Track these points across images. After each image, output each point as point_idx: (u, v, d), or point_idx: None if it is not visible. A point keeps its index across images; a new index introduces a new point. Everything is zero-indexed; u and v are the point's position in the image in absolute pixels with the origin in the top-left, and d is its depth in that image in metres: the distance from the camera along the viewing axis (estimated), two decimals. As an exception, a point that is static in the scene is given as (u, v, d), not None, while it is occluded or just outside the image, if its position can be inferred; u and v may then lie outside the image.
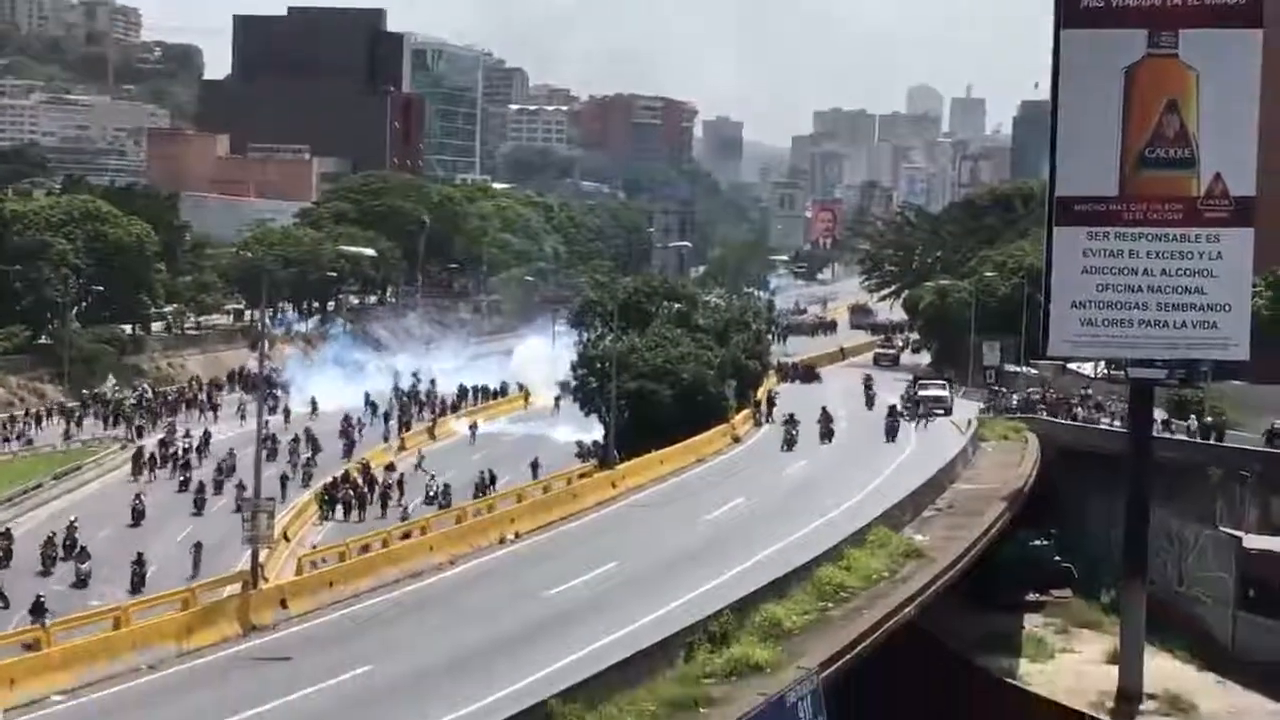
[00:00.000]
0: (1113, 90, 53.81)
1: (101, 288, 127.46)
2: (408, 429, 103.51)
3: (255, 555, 47.45)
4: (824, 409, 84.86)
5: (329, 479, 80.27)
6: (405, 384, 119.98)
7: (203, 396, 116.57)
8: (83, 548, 63.82)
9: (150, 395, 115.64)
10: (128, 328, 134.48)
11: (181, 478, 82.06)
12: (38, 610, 52.71)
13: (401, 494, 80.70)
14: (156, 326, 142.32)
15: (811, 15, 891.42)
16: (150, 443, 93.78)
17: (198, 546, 64.15)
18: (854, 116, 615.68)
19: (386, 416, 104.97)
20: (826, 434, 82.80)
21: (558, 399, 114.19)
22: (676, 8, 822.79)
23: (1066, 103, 54.48)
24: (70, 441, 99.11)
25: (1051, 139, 55.12)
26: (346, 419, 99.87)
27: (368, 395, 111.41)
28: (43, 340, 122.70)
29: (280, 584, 48.55)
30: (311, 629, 43.25)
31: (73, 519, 68.15)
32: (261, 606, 43.76)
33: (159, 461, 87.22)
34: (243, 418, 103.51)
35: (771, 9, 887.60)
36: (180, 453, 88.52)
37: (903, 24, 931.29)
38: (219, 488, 79.33)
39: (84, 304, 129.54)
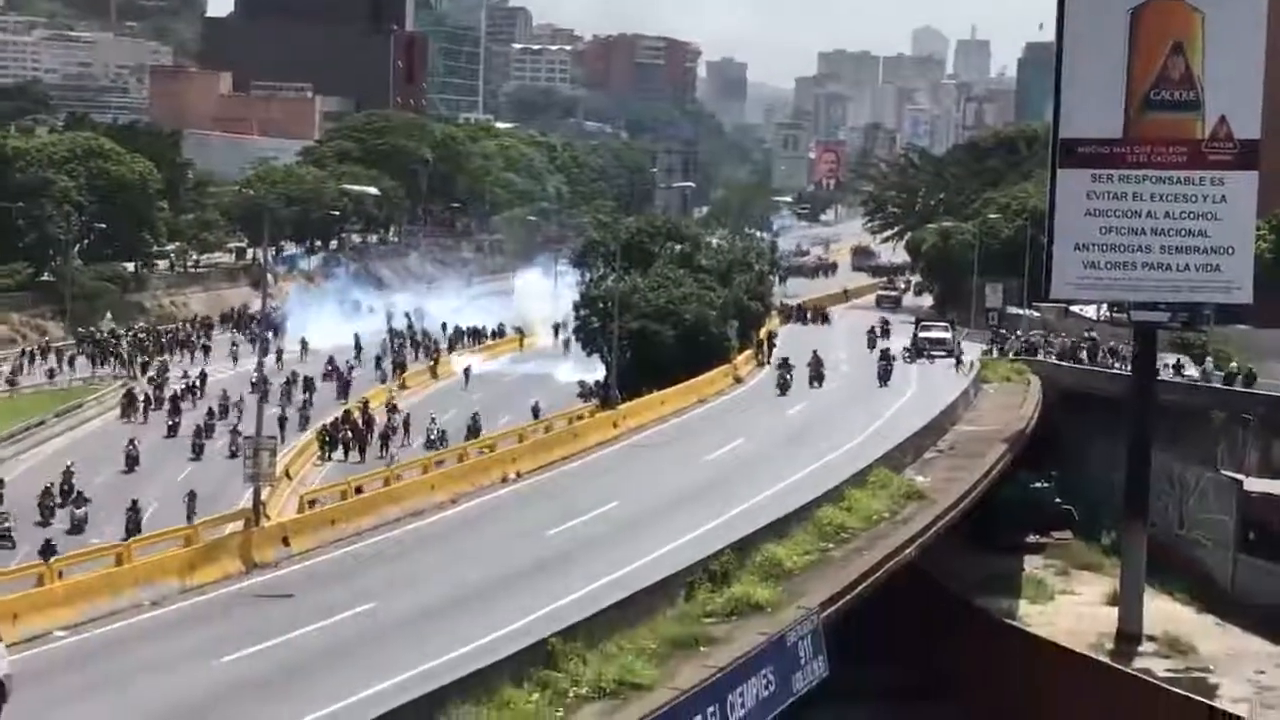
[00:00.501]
0: (1118, 32, 53.68)
1: (104, 225, 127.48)
2: (402, 370, 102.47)
3: (257, 493, 47.48)
4: (814, 353, 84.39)
5: (329, 419, 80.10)
6: (401, 324, 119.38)
7: (197, 337, 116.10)
8: (79, 492, 63.37)
9: (144, 334, 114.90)
10: (130, 265, 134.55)
11: (170, 421, 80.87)
12: (47, 553, 52.55)
13: (407, 434, 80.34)
14: (159, 265, 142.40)
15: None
16: (143, 383, 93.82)
17: (191, 496, 63.20)
18: (858, 58, 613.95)
19: (378, 359, 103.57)
20: (816, 377, 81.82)
21: (566, 340, 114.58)
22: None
23: (1071, 45, 54.37)
24: (59, 380, 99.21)
25: (1056, 81, 55.04)
26: (331, 360, 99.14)
27: (357, 337, 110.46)
28: (45, 278, 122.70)
29: (282, 521, 48.63)
30: (313, 566, 43.36)
31: (69, 463, 67.48)
32: (263, 544, 43.84)
33: (152, 402, 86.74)
34: (235, 359, 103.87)
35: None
36: (178, 394, 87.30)
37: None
38: (210, 431, 78.00)
39: (86, 241, 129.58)
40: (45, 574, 38.71)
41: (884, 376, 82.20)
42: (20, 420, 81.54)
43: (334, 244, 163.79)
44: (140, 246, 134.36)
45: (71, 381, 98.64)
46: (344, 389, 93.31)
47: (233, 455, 70.99)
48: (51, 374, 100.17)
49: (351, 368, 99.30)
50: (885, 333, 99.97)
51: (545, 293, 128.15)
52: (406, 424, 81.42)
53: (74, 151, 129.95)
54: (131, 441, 73.83)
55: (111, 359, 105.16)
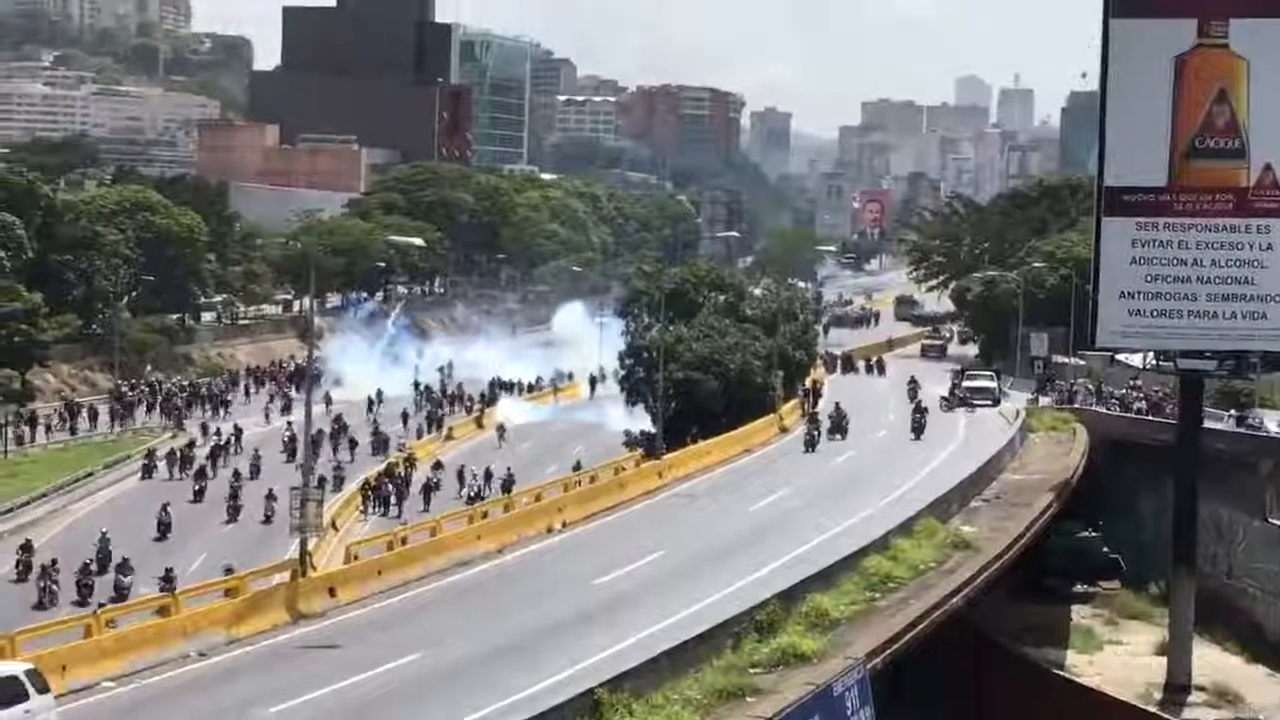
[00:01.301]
0: (1162, 80, 53.64)
1: (152, 277, 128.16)
2: (436, 425, 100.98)
3: (304, 544, 47.65)
4: (836, 404, 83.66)
5: (373, 472, 79.36)
6: (434, 376, 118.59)
7: (226, 392, 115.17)
8: (125, 559, 59.48)
9: (182, 388, 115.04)
10: (178, 317, 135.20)
11: (197, 486, 76.37)
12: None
13: (461, 484, 78.87)
14: (207, 316, 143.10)
15: (858, 4, 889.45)
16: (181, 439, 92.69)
17: (228, 571, 60.70)
18: (901, 107, 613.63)
19: (404, 415, 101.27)
20: (838, 430, 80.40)
21: (593, 383, 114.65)
22: (724, 0, 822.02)
23: (1116, 93, 54.33)
24: (105, 430, 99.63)
25: (1100, 129, 54.98)
26: (338, 419, 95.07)
27: (379, 392, 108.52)
28: (94, 330, 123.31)
29: (329, 572, 48.78)
30: (360, 617, 43.45)
31: (104, 530, 63.56)
32: (310, 594, 43.97)
33: (183, 461, 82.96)
34: (268, 415, 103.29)
35: (819, 1, 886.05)
36: (213, 451, 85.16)
37: (951, 14, 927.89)
38: (235, 495, 72.78)
39: (135, 294, 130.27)
40: (93, 625, 38.88)
41: (918, 430, 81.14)
42: (67, 473, 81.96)
43: (380, 295, 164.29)
44: (188, 299, 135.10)
45: (121, 434, 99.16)
46: (382, 445, 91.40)
47: (268, 520, 68.90)
48: (72, 430, 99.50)
49: (377, 424, 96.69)
50: (915, 389, 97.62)
51: (585, 339, 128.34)
52: (460, 475, 79.37)
53: (122, 205, 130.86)
54: (164, 507, 69.14)
55: (158, 411, 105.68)
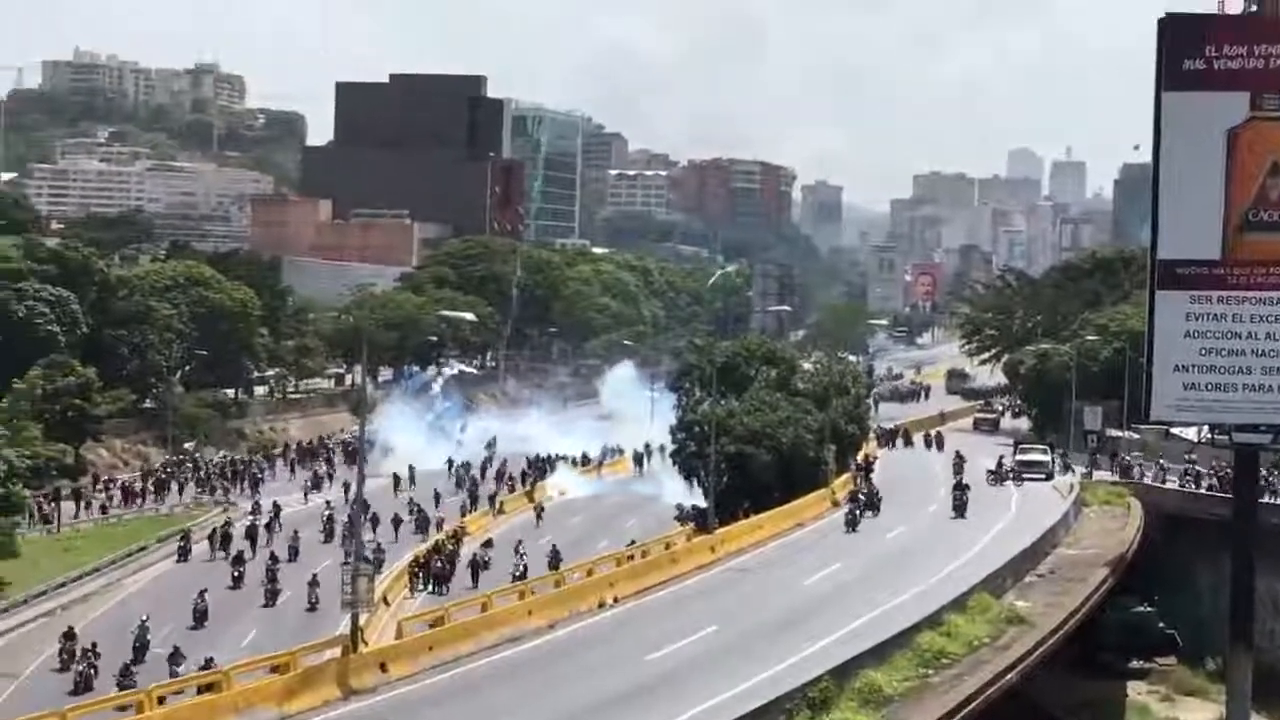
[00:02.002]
0: (1215, 153, 53.42)
1: (205, 352, 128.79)
2: (474, 502, 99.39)
3: (355, 619, 47.57)
4: (869, 482, 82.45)
5: (420, 549, 78.46)
6: (478, 451, 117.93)
7: (260, 468, 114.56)
8: (176, 648, 57.59)
9: (224, 462, 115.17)
10: (231, 392, 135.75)
11: (236, 572, 73.86)
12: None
13: (518, 555, 76.81)
14: (259, 391, 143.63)
15: (910, 78, 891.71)
16: (227, 515, 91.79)
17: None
18: (953, 180, 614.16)
19: (436, 495, 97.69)
20: (871, 507, 79.11)
21: (639, 459, 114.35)
22: (775, 72, 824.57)
23: (1168, 165, 54.13)
24: (155, 505, 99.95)
25: (1153, 202, 54.76)
26: (363, 504, 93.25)
27: (411, 471, 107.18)
28: (147, 404, 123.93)
29: (380, 647, 48.67)
30: (412, 693, 43.33)
31: (143, 619, 61.68)
32: (361, 670, 43.87)
33: (221, 540, 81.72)
34: (307, 494, 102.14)
35: (870, 72, 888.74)
36: (245, 531, 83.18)
37: (1002, 86, 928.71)
38: (272, 577, 70.74)
39: (188, 368, 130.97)
40: (144, 701, 38.88)
41: (959, 508, 79.34)
42: (118, 548, 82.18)
43: (432, 369, 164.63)
44: (240, 373, 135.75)
45: (173, 508, 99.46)
46: (423, 524, 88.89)
47: (312, 608, 67.02)
48: (103, 508, 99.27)
49: (415, 506, 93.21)
50: (959, 466, 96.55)
51: (634, 411, 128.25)
52: (518, 548, 77.36)
53: (176, 279, 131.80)
54: (201, 594, 66.59)
55: (208, 486, 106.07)
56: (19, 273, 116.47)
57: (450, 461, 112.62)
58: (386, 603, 65.88)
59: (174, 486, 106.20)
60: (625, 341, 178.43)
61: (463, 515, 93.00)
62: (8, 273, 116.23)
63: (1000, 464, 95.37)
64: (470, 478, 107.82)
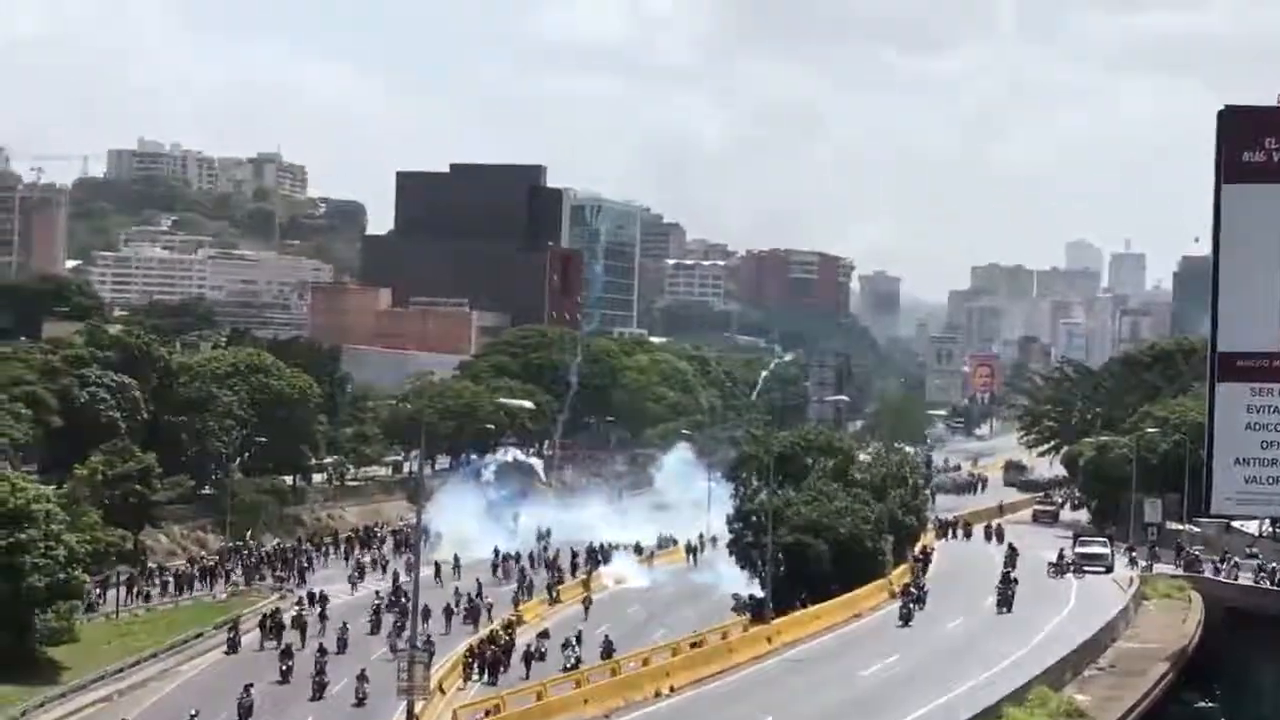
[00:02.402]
0: (1273, 245, 53.46)
1: (264, 439, 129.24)
2: (529, 591, 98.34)
3: (411, 706, 47.57)
4: (916, 577, 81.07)
5: (475, 638, 77.91)
6: (530, 541, 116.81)
7: (315, 555, 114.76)
8: None
9: (276, 550, 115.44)
10: (289, 478, 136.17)
11: (283, 666, 72.37)
12: None
13: (567, 648, 76.63)
14: (317, 477, 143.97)
15: (969, 169, 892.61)
16: (284, 602, 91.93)
17: None
18: (1012, 271, 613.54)
19: (479, 586, 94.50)
20: (918, 601, 77.84)
21: (692, 551, 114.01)
22: (834, 163, 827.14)
23: (1228, 257, 54.18)
24: (216, 591, 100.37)
25: (1212, 294, 54.78)
26: (398, 591, 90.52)
27: (456, 560, 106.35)
28: (206, 491, 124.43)
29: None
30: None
31: (193, 713, 61.57)
32: (417, 758, 43.83)
33: (273, 629, 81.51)
34: (354, 584, 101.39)
35: (929, 163, 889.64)
36: (293, 620, 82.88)
37: (1060, 178, 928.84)
38: (320, 669, 69.56)
39: (247, 454, 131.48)
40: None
41: (1005, 603, 78.27)
42: (176, 634, 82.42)
43: (486, 457, 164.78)
44: (299, 460, 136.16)
45: (230, 595, 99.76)
46: (474, 614, 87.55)
47: (360, 703, 65.94)
48: (140, 598, 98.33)
49: (465, 595, 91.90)
50: (1012, 559, 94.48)
51: (688, 499, 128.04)
52: (569, 641, 75.10)
53: (236, 366, 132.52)
54: (247, 689, 64.77)
55: (259, 573, 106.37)
56: (82, 359, 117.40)
57: (496, 551, 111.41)
58: (442, 691, 65.81)
59: (228, 573, 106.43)
60: (683, 431, 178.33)
61: (515, 605, 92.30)
62: (71, 359, 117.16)
63: (1061, 556, 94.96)
64: (520, 568, 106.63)
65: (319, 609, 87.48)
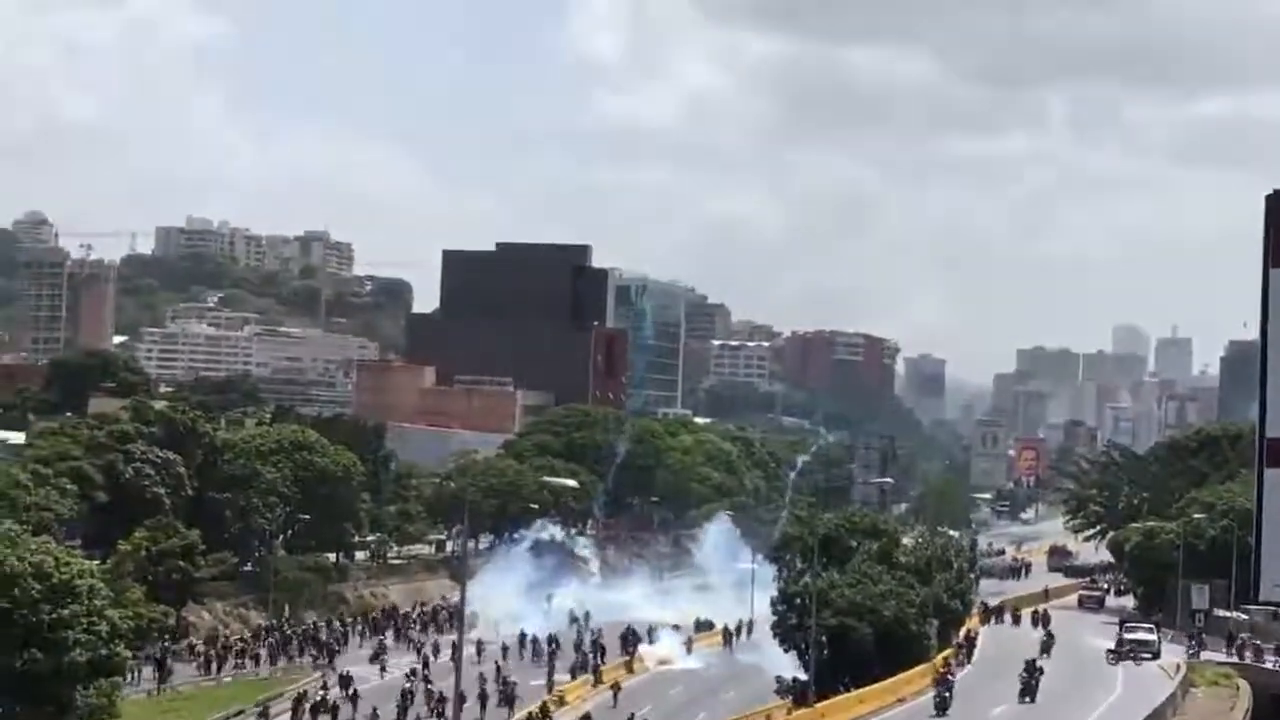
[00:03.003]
0: (1324, 331, 53.05)
1: (307, 516, 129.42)
2: (572, 675, 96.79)
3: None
4: (945, 676, 79.41)
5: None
6: (562, 622, 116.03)
7: (338, 636, 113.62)
8: None
9: (302, 629, 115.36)
10: (333, 556, 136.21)
11: None
12: None
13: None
14: (360, 555, 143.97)
15: (1015, 253, 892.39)
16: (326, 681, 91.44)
17: None
18: (1058, 355, 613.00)
19: (498, 668, 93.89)
20: (941, 705, 74.29)
21: (728, 636, 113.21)
22: (880, 246, 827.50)
23: (1275, 342, 53.79)
24: (245, 671, 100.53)
25: (1261, 378, 54.37)
26: (425, 676, 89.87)
27: (479, 645, 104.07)
28: (249, 567, 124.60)
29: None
30: None
31: None
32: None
33: (309, 711, 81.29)
34: (383, 668, 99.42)
35: (975, 247, 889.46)
36: (317, 706, 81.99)
37: (1108, 263, 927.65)
38: None
39: (290, 531, 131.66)
40: None
41: (1028, 692, 76.03)
42: (218, 711, 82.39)
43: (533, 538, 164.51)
44: (343, 537, 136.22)
45: (272, 672, 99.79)
46: (507, 699, 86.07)
47: None
48: (204, 669, 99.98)
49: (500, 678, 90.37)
50: (1048, 646, 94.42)
51: (728, 579, 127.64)
52: None
53: (280, 443, 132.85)
54: None
55: (289, 652, 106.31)
56: (128, 435, 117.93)
57: (522, 634, 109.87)
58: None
59: (267, 651, 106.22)
60: (726, 512, 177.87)
61: (549, 688, 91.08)
62: (117, 435, 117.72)
63: (1121, 643, 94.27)
64: (551, 650, 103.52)
65: (348, 690, 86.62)
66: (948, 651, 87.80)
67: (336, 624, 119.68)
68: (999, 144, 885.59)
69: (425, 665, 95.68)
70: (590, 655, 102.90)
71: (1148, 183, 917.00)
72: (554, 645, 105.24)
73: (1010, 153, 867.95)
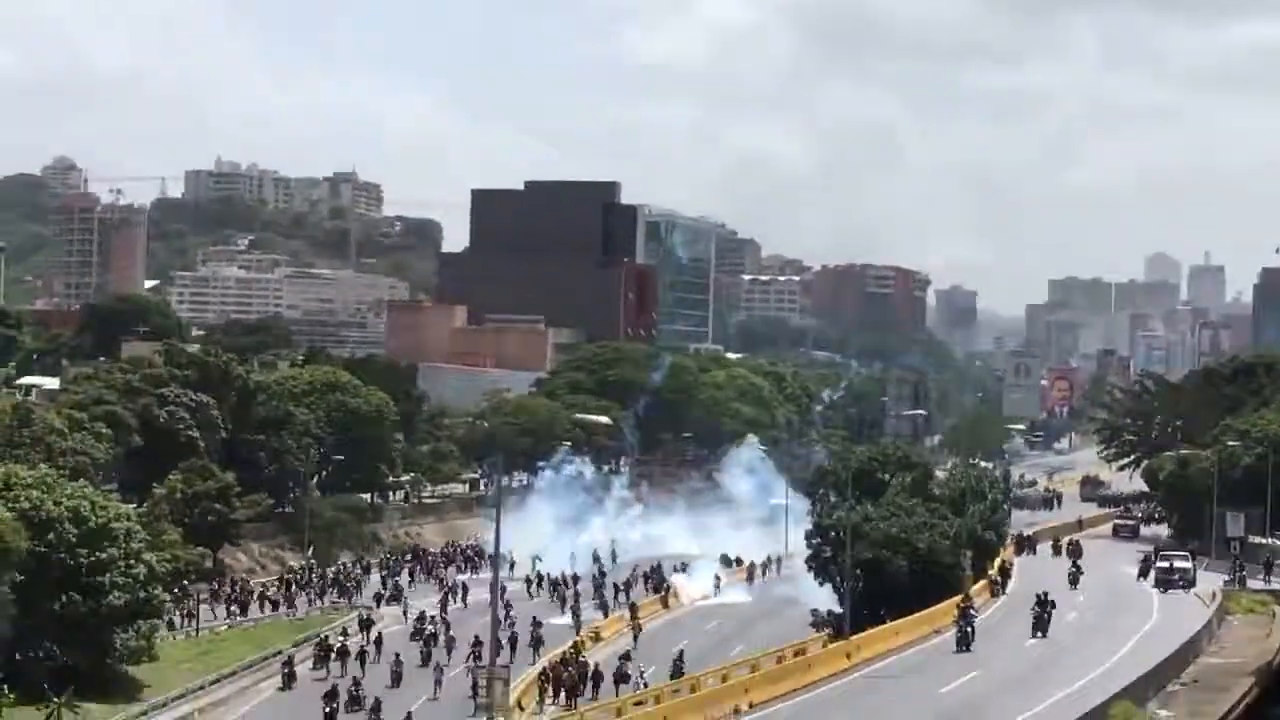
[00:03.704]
0: (1358, 255, 52.75)
1: (341, 457, 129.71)
2: (604, 610, 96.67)
3: (490, 723, 47.52)
4: (965, 612, 76.55)
5: (553, 655, 77.63)
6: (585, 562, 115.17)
7: (358, 578, 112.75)
8: None
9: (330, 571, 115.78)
10: (367, 496, 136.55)
11: (328, 709, 68.61)
12: None
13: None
14: (395, 495, 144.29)
15: (1046, 184, 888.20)
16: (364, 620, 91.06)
17: None
18: (1090, 285, 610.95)
19: (509, 608, 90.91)
20: (963, 638, 72.42)
21: (752, 571, 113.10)
22: (909, 178, 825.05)
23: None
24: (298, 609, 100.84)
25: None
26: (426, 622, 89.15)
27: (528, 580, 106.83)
28: (285, 509, 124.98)
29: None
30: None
31: None
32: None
33: (338, 653, 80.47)
34: (406, 611, 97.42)
35: (1006, 178, 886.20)
36: (338, 651, 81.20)
37: (1138, 191, 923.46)
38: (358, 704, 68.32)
39: (324, 473, 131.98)
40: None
41: (1039, 626, 74.11)
42: (255, 651, 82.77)
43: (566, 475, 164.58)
44: (376, 477, 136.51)
45: (308, 612, 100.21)
46: (536, 642, 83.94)
47: None
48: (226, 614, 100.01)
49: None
50: (1074, 579, 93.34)
51: (757, 520, 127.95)
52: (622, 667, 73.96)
53: (313, 385, 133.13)
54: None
55: (345, 589, 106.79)
56: (161, 379, 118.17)
57: (541, 575, 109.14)
58: (521, 708, 65.68)
59: (305, 593, 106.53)
60: (760, 446, 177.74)
61: (576, 627, 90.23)
62: (150, 379, 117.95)
63: (1148, 563, 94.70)
64: (574, 591, 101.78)
65: (369, 634, 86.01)
66: (982, 583, 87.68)
67: (356, 567, 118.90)
68: (1028, 75, 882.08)
69: (443, 608, 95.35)
70: (611, 596, 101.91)
71: (1178, 111, 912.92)
72: (574, 584, 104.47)
73: (1039, 83, 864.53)
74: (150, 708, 70.48)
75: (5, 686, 67.50)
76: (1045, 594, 77.38)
